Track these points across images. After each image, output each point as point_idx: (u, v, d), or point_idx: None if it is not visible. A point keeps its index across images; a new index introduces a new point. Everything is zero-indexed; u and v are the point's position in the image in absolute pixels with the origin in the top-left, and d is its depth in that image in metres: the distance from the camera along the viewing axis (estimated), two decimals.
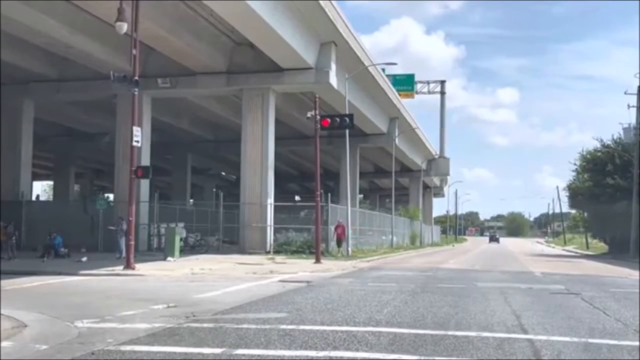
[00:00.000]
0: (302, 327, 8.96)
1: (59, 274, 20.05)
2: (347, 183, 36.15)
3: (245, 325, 9.06)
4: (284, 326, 8.99)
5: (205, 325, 9.23)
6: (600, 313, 11.18)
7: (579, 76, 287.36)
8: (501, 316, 10.45)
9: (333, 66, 33.11)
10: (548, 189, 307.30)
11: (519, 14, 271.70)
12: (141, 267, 21.74)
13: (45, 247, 28.28)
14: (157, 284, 17.13)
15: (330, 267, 23.94)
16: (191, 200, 60.42)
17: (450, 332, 8.61)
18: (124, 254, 26.04)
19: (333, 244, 32.46)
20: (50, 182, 73.34)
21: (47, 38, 28.04)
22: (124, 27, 21.58)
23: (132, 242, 21.95)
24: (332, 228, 32.32)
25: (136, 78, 21.76)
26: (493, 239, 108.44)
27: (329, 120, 26.03)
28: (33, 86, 34.18)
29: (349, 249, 32.48)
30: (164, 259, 26.33)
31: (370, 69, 38.62)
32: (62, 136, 50.92)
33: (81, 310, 11.11)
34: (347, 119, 26.06)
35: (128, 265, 21.29)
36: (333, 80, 33.09)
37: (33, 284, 16.46)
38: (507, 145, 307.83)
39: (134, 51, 21.89)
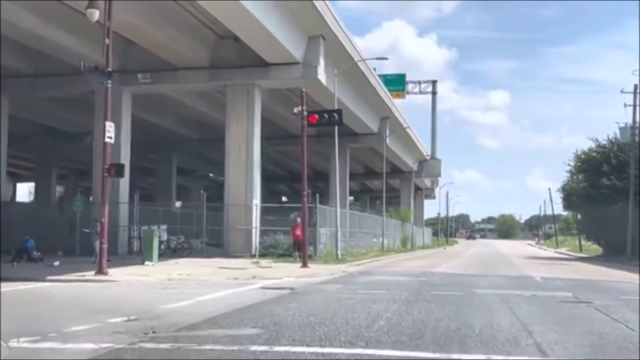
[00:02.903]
0: (276, 348, 7.52)
1: (25, 279, 18.56)
2: (337, 183, 34.79)
3: (208, 346, 7.63)
4: (255, 347, 7.55)
5: (162, 345, 7.78)
6: (623, 327, 9.79)
7: (569, 79, 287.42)
8: (510, 332, 9.04)
9: (321, 61, 31.70)
10: (538, 190, 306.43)
11: (510, 17, 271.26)
12: (114, 272, 20.24)
13: (17, 251, 26.76)
14: (126, 291, 15.67)
15: (318, 272, 22.51)
16: (179, 203, 58.97)
17: (454, 356, 7.20)
18: (96, 258, 24.71)
19: (322, 246, 31.02)
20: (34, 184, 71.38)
21: (18, 29, 26.47)
22: (95, 14, 20.13)
23: (105, 246, 20.37)
24: (319, 230, 30.85)
25: (109, 69, 20.28)
26: (470, 237, 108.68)
27: (316, 116, 24.58)
28: (7, 82, 32.51)
29: (339, 252, 31.03)
30: (142, 263, 24.85)
31: (361, 66, 37.26)
32: (43, 136, 49.23)
33: (27, 324, 9.64)
34: (335, 115, 24.62)
35: (100, 270, 19.78)
36: (322, 75, 31.68)
37: None
38: (498, 148, 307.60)
39: (107, 41, 20.40)
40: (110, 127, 20.52)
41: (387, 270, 25.19)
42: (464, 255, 48.69)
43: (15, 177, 76.90)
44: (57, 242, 30.18)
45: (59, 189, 62.96)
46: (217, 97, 37.35)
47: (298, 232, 27.26)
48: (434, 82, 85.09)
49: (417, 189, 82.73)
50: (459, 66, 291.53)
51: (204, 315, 10.38)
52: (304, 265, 24.56)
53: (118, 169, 20.75)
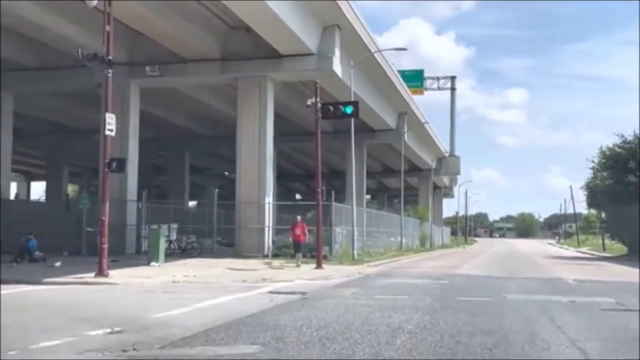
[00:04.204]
0: None
1: (19, 282, 17.35)
2: (353, 179, 33.27)
3: None
4: None
5: None
6: None
7: (585, 76, 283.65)
8: (559, 350, 7.58)
9: (337, 52, 30.21)
10: (556, 189, 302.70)
11: (527, 14, 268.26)
12: (116, 274, 18.98)
13: (19, 251, 25.59)
14: (122, 296, 14.35)
15: (332, 274, 21.09)
16: (193, 202, 57.82)
17: None
18: None
19: (337, 246, 29.58)
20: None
21: (17, 18, 25.28)
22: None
23: (105, 246, 19.12)
24: (335, 229, 29.39)
25: (109, 58, 18.97)
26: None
27: (331, 108, 23.15)
28: (9, 75, 31.36)
29: (355, 252, 29.55)
30: (148, 264, 23.59)
31: (378, 58, 35.71)
32: (54, 133, 48.17)
33: None
34: (351, 107, 23.15)
35: (100, 272, 18.53)
36: (337, 67, 30.19)
37: None
38: (516, 146, 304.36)
39: (107, 27, 19.11)
40: (110, 119, 19.24)
41: (407, 272, 23.69)
42: (484, 255, 47.01)
43: (29, 176, 76.37)
44: (63, 241, 29.00)
45: (71, 188, 61.93)
46: (229, 92, 36.02)
47: (298, 231, 24.87)
48: (452, 78, 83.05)
49: (436, 187, 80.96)
50: (476, 64, 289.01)
51: (198, 327, 9.00)
52: (318, 266, 23.14)
53: (119, 164, 19.44)
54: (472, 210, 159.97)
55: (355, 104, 23.61)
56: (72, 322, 9.79)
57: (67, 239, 29.80)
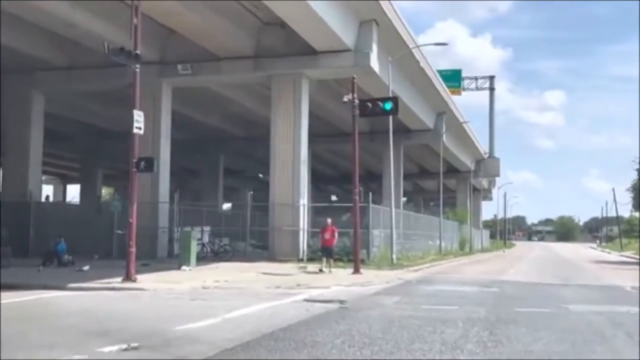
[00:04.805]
0: None
1: (44, 287, 16.50)
2: (391, 176, 31.89)
3: None
4: None
5: None
6: None
7: (624, 77, 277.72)
8: None
9: (374, 48, 28.99)
10: (595, 191, 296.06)
11: (565, 16, 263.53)
12: (144, 279, 18.04)
13: (47, 254, 24.89)
14: (147, 303, 13.36)
15: (371, 279, 19.87)
16: (228, 205, 57.01)
17: None
18: None
19: (375, 249, 28.35)
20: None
21: (46, 15, 24.60)
22: None
23: (133, 249, 18.13)
24: (372, 232, 28.16)
25: (137, 52, 18.07)
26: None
27: (369, 104, 21.96)
28: (40, 75, 30.83)
29: (394, 256, 28.27)
30: (179, 268, 22.66)
31: (417, 55, 34.39)
32: (88, 135, 47.76)
33: None
34: (391, 103, 21.92)
35: (128, 277, 17.58)
36: (374, 63, 28.96)
37: None
38: (553, 148, 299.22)
39: (134, 20, 18.26)
40: (139, 116, 18.36)
41: (450, 278, 22.33)
42: (527, 259, 45.30)
43: (65, 179, 76.48)
44: (95, 244, 28.25)
45: (106, 190, 61.65)
46: (262, 92, 35.04)
47: (327, 235, 23.11)
48: (491, 78, 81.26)
49: (474, 189, 79.12)
50: (513, 66, 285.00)
51: (225, 343, 7.90)
52: (356, 271, 21.94)
53: (148, 163, 18.48)
54: (510, 213, 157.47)
55: (394, 100, 22.37)
56: (85, 336, 8.78)
57: (98, 242, 29.09)
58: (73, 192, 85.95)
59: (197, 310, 11.67)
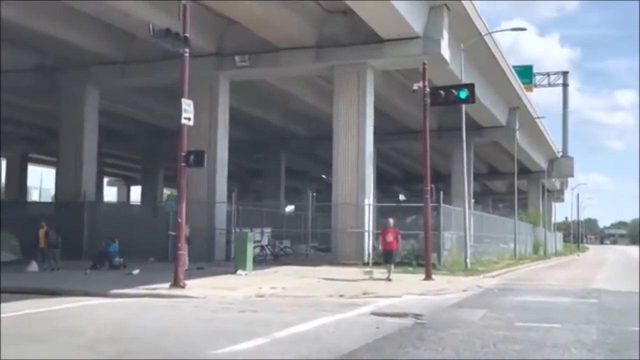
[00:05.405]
0: None
1: (85, 294, 15.05)
2: (464, 172, 29.45)
3: None
4: None
5: None
6: None
7: None
8: None
9: (445, 34, 26.73)
10: None
11: (634, 14, 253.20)
12: (194, 285, 16.43)
13: (98, 257, 23.66)
14: (190, 314, 11.58)
15: (445, 287, 17.69)
16: (291, 207, 55.38)
17: None
18: (186, 266, 21.08)
19: (446, 253, 26.06)
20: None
21: (99, 6, 23.35)
22: None
23: (182, 252, 16.58)
24: (443, 234, 25.87)
25: (186, 34, 16.43)
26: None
27: (442, 92, 19.79)
28: (95, 69, 29.73)
29: (467, 260, 25.92)
30: (234, 272, 20.99)
31: (489, 43, 31.89)
32: (148, 134, 46.89)
33: None
34: (466, 91, 19.68)
35: (176, 283, 15.96)
36: (445, 51, 26.69)
37: (13, 314, 11.31)
38: (624, 149, 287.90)
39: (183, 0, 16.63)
40: (188, 105, 16.71)
41: (535, 286, 19.91)
42: (608, 264, 42.08)
43: (129, 181, 76.51)
44: (152, 247, 26.90)
45: (168, 191, 60.90)
46: (324, 87, 33.20)
47: (390, 237, 20.15)
48: (564, 74, 77.55)
49: (545, 190, 75.43)
50: (582, 65, 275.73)
51: None
52: (427, 277, 19.77)
53: (197, 157, 16.79)
54: (582, 216, 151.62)
55: (470, 87, 20.07)
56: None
57: (155, 244, 27.77)
58: (137, 194, 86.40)
59: (243, 325, 9.83)
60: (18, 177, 52.91)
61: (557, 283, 21.26)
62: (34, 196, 72.99)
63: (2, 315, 10.64)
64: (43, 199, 66.70)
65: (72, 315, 11.40)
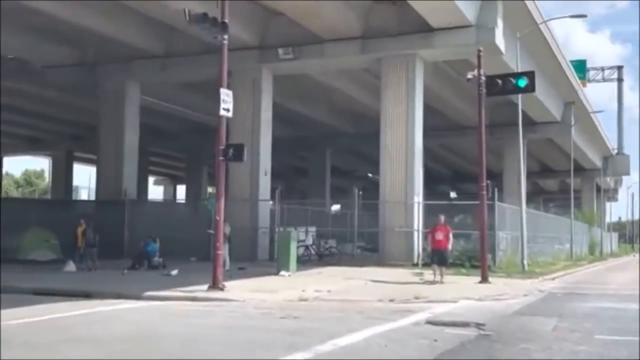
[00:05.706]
0: None
1: (118, 296, 14.17)
2: (521, 167, 27.88)
3: None
4: None
5: None
6: None
7: None
8: None
9: (499, 23, 25.26)
10: None
11: None
12: (234, 286, 15.45)
13: (137, 256, 22.87)
14: (224, 320, 10.52)
15: (504, 290, 16.32)
16: (337, 206, 54.21)
17: None
18: (227, 266, 20.19)
19: (501, 254, 24.57)
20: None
21: None
22: None
23: (220, 252, 15.63)
24: (498, 234, 24.38)
25: (224, 20, 15.44)
26: None
27: (499, 81, 18.40)
28: (135, 64, 29.05)
29: (525, 261, 24.39)
30: (277, 273, 19.96)
31: (545, 33, 30.24)
32: (192, 133, 46.32)
33: None
34: (525, 79, 18.24)
35: (214, 284, 15.00)
36: (500, 41, 25.20)
37: (33, 319, 10.41)
38: None
39: None
40: (226, 95, 15.71)
41: (601, 290, 18.37)
42: None
43: (175, 180, 76.47)
44: (194, 246, 26.04)
45: (210, 190, 60.46)
46: (370, 81, 31.95)
47: (440, 236, 18.61)
48: (619, 68, 74.52)
49: (600, 189, 72.74)
50: (634, 62, 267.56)
51: None
52: (484, 279, 18.38)
53: (237, 151, 15.78)
54: (637, 215, 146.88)
55: (530, 75, 18.59)
56: None
57: (196, 243, 26.93)
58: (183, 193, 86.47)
59: (282, 335, 8.71)
60: (64, 176, 53.08)
61: (623, 287, 19.65)
62: (83, 195, 73.41)
63: (10, 322, 9.78)
64: (91, 198, 67.13)
65: (92, 322, 10.43)
